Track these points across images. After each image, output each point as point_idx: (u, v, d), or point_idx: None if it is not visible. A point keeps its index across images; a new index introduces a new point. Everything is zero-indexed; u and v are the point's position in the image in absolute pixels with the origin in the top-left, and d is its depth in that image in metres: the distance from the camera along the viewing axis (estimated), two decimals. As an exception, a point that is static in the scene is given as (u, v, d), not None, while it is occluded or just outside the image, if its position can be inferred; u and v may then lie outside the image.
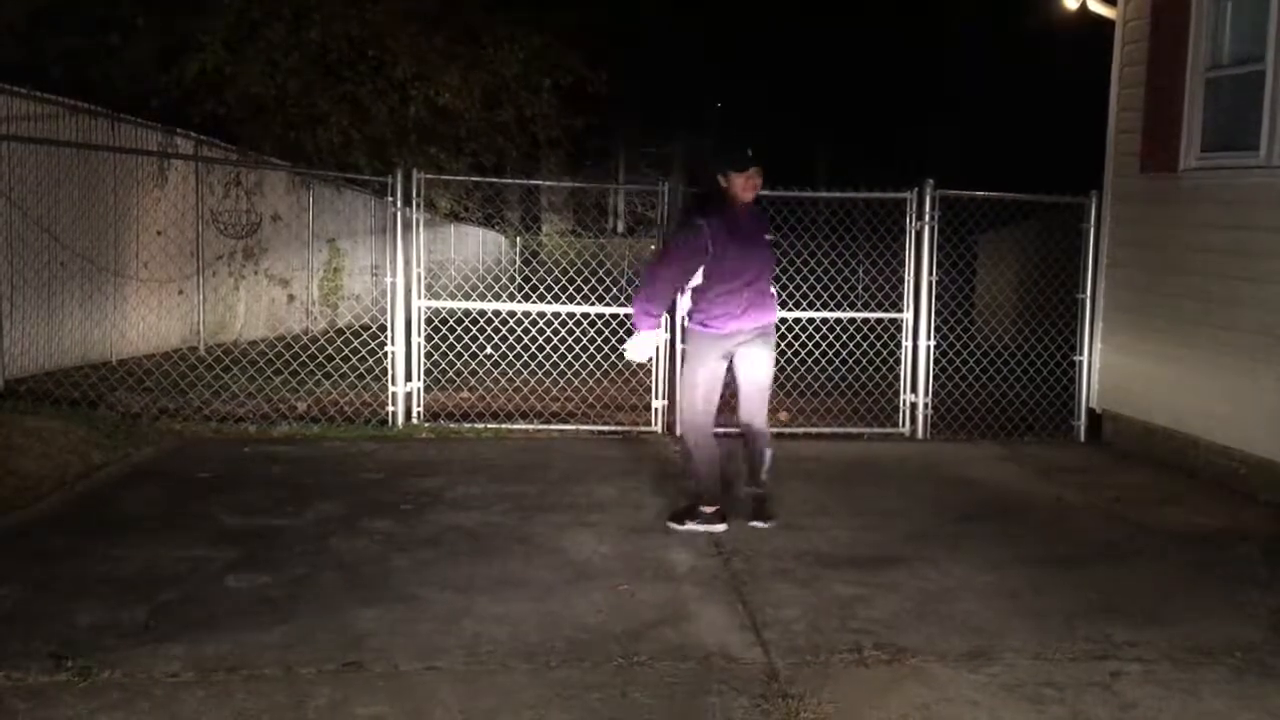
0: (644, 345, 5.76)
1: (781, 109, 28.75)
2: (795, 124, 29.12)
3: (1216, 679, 4.02)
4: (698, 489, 5.80)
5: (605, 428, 8.55)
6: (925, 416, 8.67)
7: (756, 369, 5.79)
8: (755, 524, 5.76)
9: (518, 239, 23.52)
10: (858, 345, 9.46)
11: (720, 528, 5.69)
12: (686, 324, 5.80)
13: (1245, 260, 7.03)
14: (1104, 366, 8.59)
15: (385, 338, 8.45)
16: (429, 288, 8.54)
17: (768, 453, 5.87)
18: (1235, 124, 7.30)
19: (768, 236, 5.82)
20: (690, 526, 5.71)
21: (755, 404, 5.86)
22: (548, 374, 9.80)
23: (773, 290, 5.85)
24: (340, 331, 12.45)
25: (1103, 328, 8.59)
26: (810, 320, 9.32)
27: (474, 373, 9.99)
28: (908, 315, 8.71)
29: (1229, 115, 7.39)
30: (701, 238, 5.51)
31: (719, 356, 5.69)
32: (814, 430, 8.78)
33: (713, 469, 5.77)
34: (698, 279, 5.61)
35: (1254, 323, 6.94)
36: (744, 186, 5.60)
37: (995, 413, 8.92)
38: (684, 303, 5.77)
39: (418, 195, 8.45)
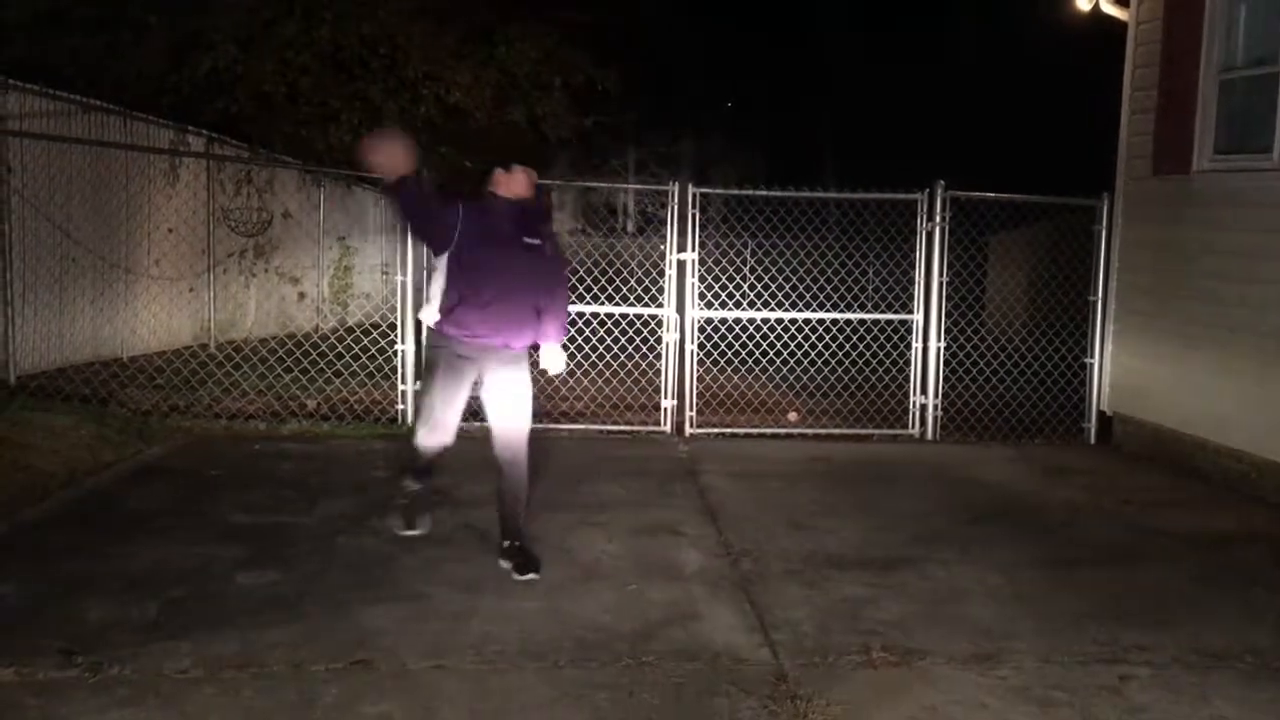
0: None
1: (791, 109, 28.72)
2: (805, 124, 29.09)
3: (1226, 682, 4.00)
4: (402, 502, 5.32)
5: (614, 427, 8.55)
6: (935, 418, 8.65)
7: (506, 397, 5.02)
8: (519, 577, 4.95)
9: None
10: (868, 346, 9.44)
11: (412, 532, 5.28)
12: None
13: (1257, 263, 7.00)
14: (1115, 369, 8.56)
15: (395, 336, 8.46)
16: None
17: (523, 497, 5.17)
18: (1249, 126, 7.27)
19: (531, 240, 4.94)
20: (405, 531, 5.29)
21: (515, 436, 5.09)
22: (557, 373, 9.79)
23: (536, 312, 4.99)
24: (350, 330, 12.45)
25: (1114, 330, 8.56)
26: (820, 321, 9.31)
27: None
28: (918, 317, 8.69)
29: (1242, 117, 7.36)
30: (452, 218, 4.85)
31: (458, 365, 4.93)
32: (823, 431, 8.77)
33: (418, 457, 5.18)
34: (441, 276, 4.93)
35: (1266, 325, 6.90)
36: (506, 185, 4.96)
37: (1005, 415, 8.90)
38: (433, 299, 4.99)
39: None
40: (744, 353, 9.86)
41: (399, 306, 8.41)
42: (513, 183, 4.97)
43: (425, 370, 5.07)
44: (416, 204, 4.92)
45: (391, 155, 4.82)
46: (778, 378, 10.55)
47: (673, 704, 3.72)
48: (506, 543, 5.11)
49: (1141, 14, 8.25)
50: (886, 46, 27.00)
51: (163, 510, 5.88)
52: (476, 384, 5.03)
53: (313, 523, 5.74)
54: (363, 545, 5.37)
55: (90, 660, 3.89)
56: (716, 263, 10.21)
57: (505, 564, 5.04)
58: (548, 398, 9.32)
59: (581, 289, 9.14)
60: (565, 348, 5.29)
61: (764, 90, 28.31)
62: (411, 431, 5.28)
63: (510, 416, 5.05)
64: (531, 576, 4.95)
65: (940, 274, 8.58)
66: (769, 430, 8.76)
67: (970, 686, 3.91)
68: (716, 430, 8.61)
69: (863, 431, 8.78)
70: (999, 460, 7.93)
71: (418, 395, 5.23)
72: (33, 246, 8.95)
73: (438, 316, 4.90)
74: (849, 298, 9.92)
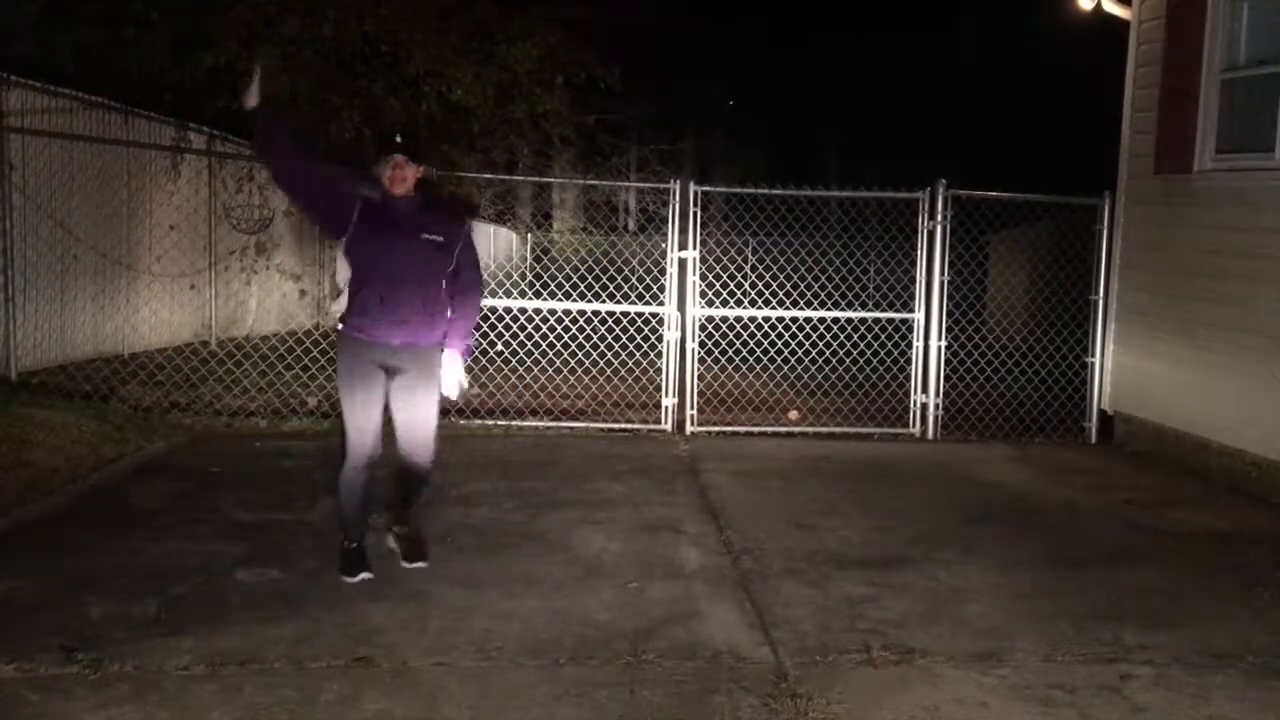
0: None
1: (793, 107, 28.70)
2: (807, 122, 29.08)
3: (1227, 682, 4.00)
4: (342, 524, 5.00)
5: (615, 425, 8.55)
6: (936, 417, 8.65)
7: (412, 394, 4.84)
8: (407, 565, 4.95)
9: (529, 236, 23.54)
10: (869, 345, 9.44)
11: (354, 579, 4.81)
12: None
13: (1259, 262, 6.99)
14: (1116, 368, 8.56)
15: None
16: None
17: (424, 490, 5.09)
18: (1251, 125, 7.27)
19: (431, 236, 4.74)
20: (354, 578, 4.83)
21: (420, 432, 4.92)
22: (558, 371, 9.80)
23: (443, 309, 4.82)
24: (351, 327, 12.45)
25: (1115, 329, 8.56)
26: (821, 320, 9.31)
27: (484, 369, 9.99)
28: (919, 315, 8.69)
29: (1245, 116, 7.36)
30: (350, 200, 4.73)
31: (368, 369, 4.77)
32: (824, 430, 8.77)
33: (350, 501, 4.93)
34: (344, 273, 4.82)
35: (1268, 324, 6.90)
36: (389, 178, 4.72)
37: (1006, 414, 8.90)
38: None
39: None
40: (745, 351, 9.86)
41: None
42: (393, 179, 4.72)
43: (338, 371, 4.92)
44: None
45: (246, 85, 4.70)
46: (779, 376, 10.55)
47: (673, 702, 3.72)
48: (396, 528, 5.05)
49: (1143, 13, 8.25)
50: (889, 45, 26.99)
51: (164, 507, 5.88)
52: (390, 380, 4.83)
53: (314, 520, 5.74)
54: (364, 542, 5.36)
55: (91, 657, 3.89)
56: (718, 261, 10.22)
57: (395, 548, 5.03)
58: (548, 395, 9.32)
59: (583, 287, 9.14)
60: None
61: (766, 89, 28.30)
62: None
63: (416, 411, 4.86)
64: (419, 565, 4.94)
65: (942, 273, 8.58)
66: (770, 429, 8.76)
67: (971, 686, 3.91)
68: (717, 429, 8.61)
69: (864, 430, 8.78)
70: (1000, 459, 7.93)
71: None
72: (34, 243, 8.95)
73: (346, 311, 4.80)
74: (850, 296, 9.91)
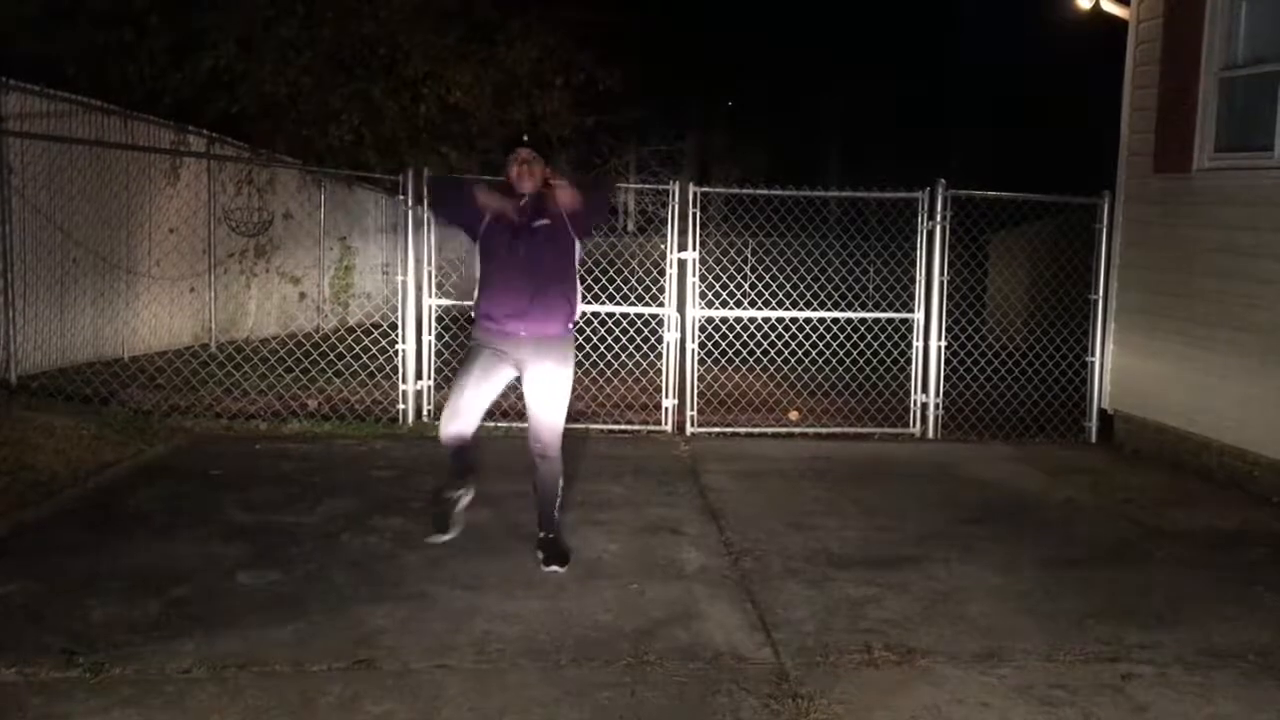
0: None
1: (792, 107, 28.71)
2: (806, 122, 29.08)
3: (1229, 682, 4.00)
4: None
5: (615, 427, 8.55)
6: (936, 417, 8.65)
7: (537, 387, 5.05)
8: (546, 569, 5.05)
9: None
10: (868, 345, 9.44)
11: (439, 538, 5.11)
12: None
13: (1258, 261, 7.00)
14: (1116, 367, 8.56)
15: (396, 336, 8.46)
16: (440, 286, 8.55)
17: (559, 486, 5.22)
18: (1249, 124, 7.28)
19: (541, 222, 4.92)
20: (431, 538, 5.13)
21: (545, 429, 5.11)
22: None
23: (565, 298, 5.04)
24: (351, 329, 12.46)
25: (1115, 328, 8.56)
26: (821, 320, 9.31)
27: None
28: (919, 315, 8.69)
29: (1243, 115, 7.36)
30: (475, 208, 4.96)
31: (488, 358, 5.01)
32: (824, 430, 8.77)
33: (450, 456, 5.15)
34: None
35: (1268, 323, 6.91)
36: (515, 175, 4.92)
37: (1006, 413, 8.90)
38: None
39: (429, 193, 8.46)
40: (745, 352, 9.86)
41: (400, 306, 8.41)
42: (520, 174, 4.93)
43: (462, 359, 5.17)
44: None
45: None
46: (779, 377, 10.55)
47: (675, 703, 3.72)
48: (541, 534, 5.20)
49: (1142, 12, 8.25)
50: (888, 45, 27.01)
51: (164, 510, 5.88)
52: (518, 380, 5.09)
53: (314, 522, 5.74)
54: (365, 544, 5.38)
55: (92, 660, 3.89)
56: (717, 261, 10.22)
57: (539, 554, 5.12)
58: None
59: (583, 288, 9.12)
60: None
61: (765, 89, 28.30)
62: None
63: (542, 405, 5.06)
64: (555, 569, 5.03)
65: (941, 272, 8.58)
66: (770, 429, 8.76)
67: (972, 685, 3.91)
68: (718, 429, 8.61)
69: (864, 430, 8.78)
70: (1000, 459, 7.93)
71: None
72: (33, 247, 8.95)
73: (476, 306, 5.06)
74: (850, 296, 9.91)
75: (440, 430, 5.09)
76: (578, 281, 5.14)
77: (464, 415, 5.01)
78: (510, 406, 9.02)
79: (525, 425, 5.17)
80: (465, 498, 5.16)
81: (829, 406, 9.74)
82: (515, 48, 14.57)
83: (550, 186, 4.97)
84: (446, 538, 5.12)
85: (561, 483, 5.24)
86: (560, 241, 4.97)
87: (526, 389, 5.07)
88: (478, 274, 5.05)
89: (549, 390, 5.05)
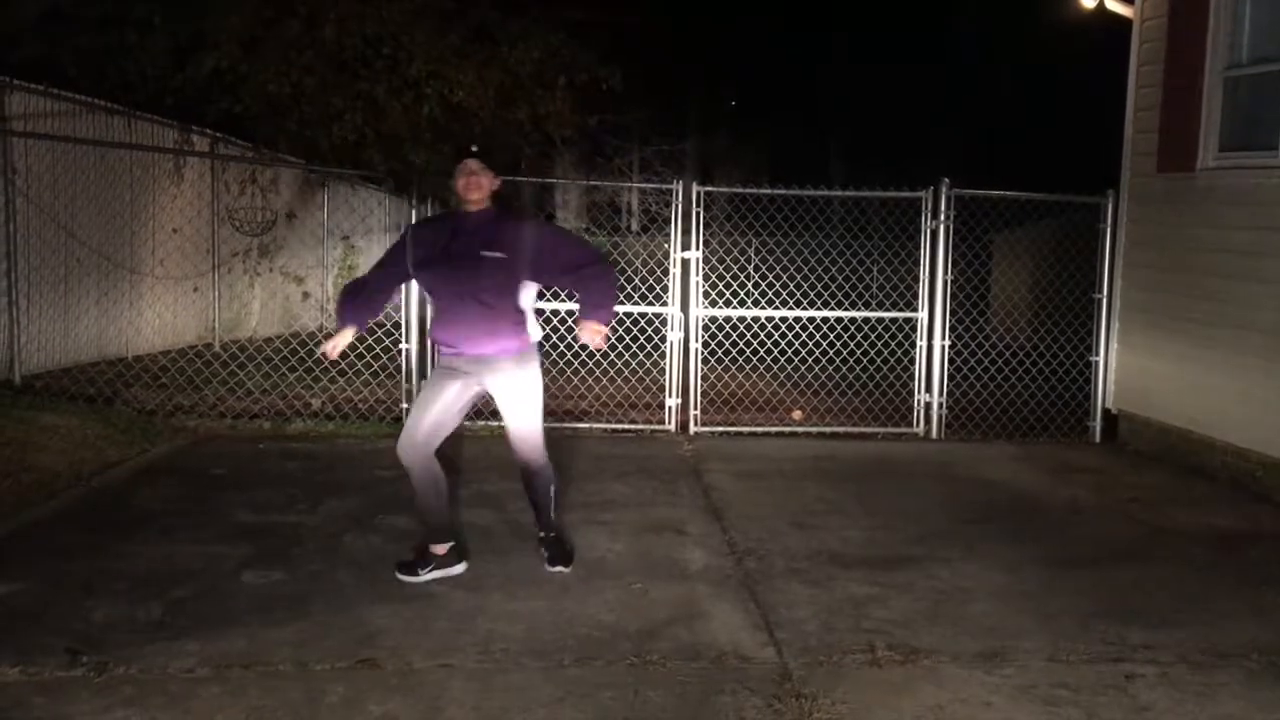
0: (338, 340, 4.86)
1: (795, 107, 28.70)
2: (809, 122, 29.06)
3: (1232, 682, 3.99)
4: (426, 528, 5.02)
5: (618, 426, 8.55)
6: (940, 416, 8.65)
7: (503, 405, 4.94)
8: (550, 569, 5.06)
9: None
10: (872, 345, 9.44)
11: (458, 569, 4.96)
12: None
13: (1263, 260, 6.98)
14: (1120, 367, 8.55)
15: (399, 335, 8.46)
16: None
17: (551, 489, 5.17)
18: (1254, 123, 7.26)
19: (489, 253, 4.73)
20: (424, 576, 4.87)
21: (519, 442, 5.01)
22: (561, 372, 9.80)
23: (515, 323, 4.83)
24: (354, 329, 12.45)
25: (1119, 328, 8.55)
26: (825, 319, 9.30)
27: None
28: (922, 314, 8.68)
29: (1247, 115, 7.35)
30: (399, 245, 4.96)
31: (447, 380, 4.87)
32: (827, 429, 8.77)
33: (437, 502, 4.94)
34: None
35: (1271, 323, 6.89)
36: (463, 186, 4.79)
37: (1010, 413, 8.89)
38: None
39: (433, 193, 8.47)
40: (748, 351, 9.85)
41: (403, 306, 8.42)
42: (465, 186, 4.80)
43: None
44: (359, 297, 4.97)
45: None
46: (782, 376, 10.55)
47: (677, 703, 3.72)
48: (541, 534, 5.19)
49: (1146, 11, 8.24)
50: (891, 44, 26.98)
51: (168, 509, 5.89)
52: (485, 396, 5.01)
53: (318, 522, 5.74)
54: (368, 544, 5.38)
55: (96, 659, 3.89)
56: (721, 261, 10.21)
57: (543, 553, 5.14)
58: (552, 395, 9.32)
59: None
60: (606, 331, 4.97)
61: (769, 89, 28.29)
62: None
63: (513, 420, 4.95)
64: (560, 569, 5.02)
65: (945, 272, 8.57)
66: (773, 429, 8.76)
67: (975, 685, 3.91)
68: (721, 429, 8.61)
69: (867, 430, 8.77)
70: (1004, 459, 7.92)
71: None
72: (38, 247, 8.96)
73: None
74: (853, 296, 9.90)
75: (398, 451, 4.87)
76: (529, 311, 4.91)
77: (421, 444, 4.82)
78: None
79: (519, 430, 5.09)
80: (447, 569, 4.95)
81: (832, 406, 9.74)
82: (518, 48, 14.56)
83: (510, 216, 4.92)
84: (422, 580, 4.88)
85: (554, 486, 5.18)
86: (513, 274, 4.78)
87: (498, 404, 4.95)
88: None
89: (518, 403, 4.92)
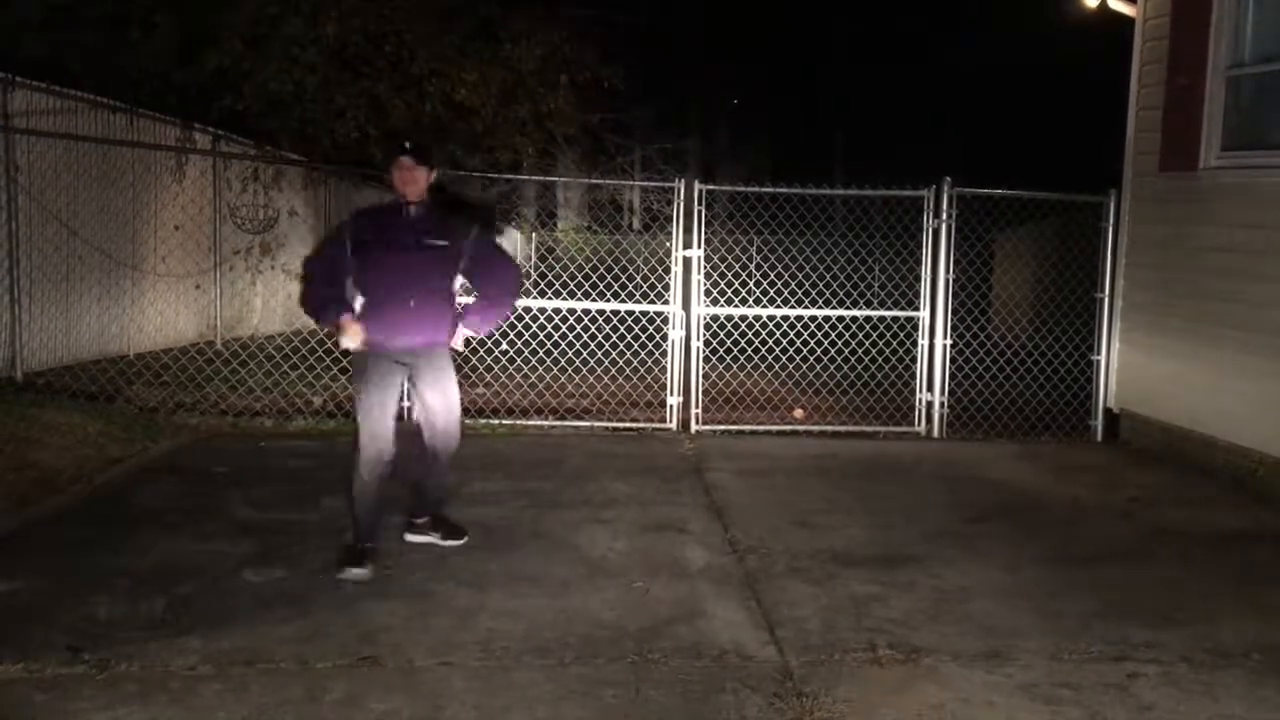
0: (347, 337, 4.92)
1: (798, 106, 28.70)
2: (812, 121, 29.06)
3: (1234, 681, 3.99)
4: (357, 527, 5.06)
5: (620, 424, 8.55)
6: (941, 415, 8.64)
7: (432, 386, 5.07)
8: (451, 542, 5.28)
9: (533, 235, 23.55)
10: (874, 344, 9.43)
11: (358, 572, 4.83)
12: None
13: (1265, 259, 6.98)
14: (1121, 366, 8.55)
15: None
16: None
17: (442, 486, 5.39)
18: (1256, 123, 7.26)
19: (431, 241, 4.96)
20: (346, 573, 4.84)
21: (449, 422, 5.16)
22: (563, 370, 9.81)
23: (448, 307, 5.07)
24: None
25: (1120, 327, 8.54)
26: (826, 318, 9.30)
27: (489, 368, 10.00)
28: (924, 314, 8.68)
29: (1250, 114, 7.35)
30: (339, 238, 5.04)
31: (384, 370, 4.95)
32: (829, 428, 8.77)
33: (364, 503, 5.02)
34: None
35: (1273, 322, 6.89)
36: (399, 181, 4.95)
37: (1012, 412, 8.88)
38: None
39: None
40: (750, 350, 9.85)
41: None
42: (402, 180, 4.97)
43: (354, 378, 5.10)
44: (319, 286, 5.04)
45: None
46: (784, 375, 10.54)
47: (679, 701, 3.72)
48: (427, 517, 5.36)
49: (1149, 10, 8.23)
50: (894, 43, 26.98)
51: (170, 507, 5.89)
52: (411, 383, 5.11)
53: (319, 519, 5.74)
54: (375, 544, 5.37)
55: (98, 656, 3.90)
56: (722, 259, 10.21)
57: (436, 534, 5.34)
58: (553, 395, 9.32)
59: (588, 286, 9.14)
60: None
61: (771, 87, 28.28)
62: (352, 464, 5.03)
63: (440, 399, 5.11)
64: (466, 538, 5.29)
65: (947, 271, 8.56)
66: (775, 427, 8.76)
67: (977, 684, 3.91)
68: (722, 427, 8.61)
69: (869, 429, 8.77)
70: (1005, 458, 7.92)
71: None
72: (40, 244, 8.97)
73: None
74: (855, 294, 9.89)
75: (361, 456, 4.94)
76: (457, 298, 5.21)
77: (382, 434, 4.96)
78: (514, 404, 9.04)
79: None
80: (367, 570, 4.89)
81: (834, 405, 9.74)
82: (520, 46, 14.56)
83: (446, 209, 5.09)
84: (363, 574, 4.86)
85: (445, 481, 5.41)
86: (448, 263, 5.05)
87: (422, 388, 5.08)
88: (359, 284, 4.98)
89: (445, 383, 5.10)
